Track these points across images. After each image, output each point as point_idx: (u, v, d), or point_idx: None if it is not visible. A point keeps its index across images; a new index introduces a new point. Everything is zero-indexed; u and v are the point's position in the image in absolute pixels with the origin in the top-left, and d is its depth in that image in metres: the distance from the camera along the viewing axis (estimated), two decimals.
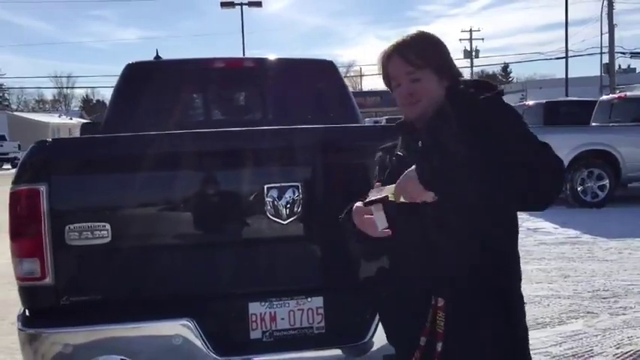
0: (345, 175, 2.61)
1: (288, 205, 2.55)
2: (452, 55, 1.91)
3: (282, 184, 2.55)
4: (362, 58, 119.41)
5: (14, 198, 2.39)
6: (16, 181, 2.40)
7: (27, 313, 2.50)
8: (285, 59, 4.71)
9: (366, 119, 33.07)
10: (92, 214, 2.48)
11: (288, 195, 2.53)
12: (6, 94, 78.93)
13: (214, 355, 2.43)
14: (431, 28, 1.96)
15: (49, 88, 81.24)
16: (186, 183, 2.61)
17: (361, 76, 69.73)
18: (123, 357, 2.40)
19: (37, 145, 2.46)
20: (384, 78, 1.92)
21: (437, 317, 1.72)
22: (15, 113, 60.23)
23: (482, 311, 1.72)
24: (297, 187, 2.55)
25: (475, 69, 55.43)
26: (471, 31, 52.18)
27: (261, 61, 4.63)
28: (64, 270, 2.44)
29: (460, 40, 52.75)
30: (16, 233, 2.41)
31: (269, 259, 2.64)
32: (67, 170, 2.50)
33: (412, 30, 1.88)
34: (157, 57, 4.80)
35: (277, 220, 2.55)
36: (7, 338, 4.56)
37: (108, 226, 2.43)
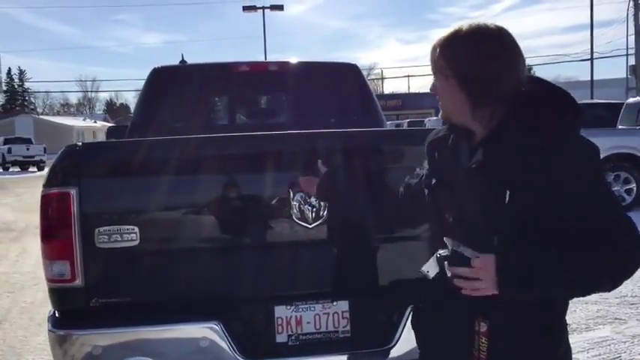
0: (371, 179, 2.61)
1: (314, 209, 2.55)
2: (517, 64, 1.56)
3: None
4: (383, 60, 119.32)
5: (45, 201, 2.43)
6: (47, 184, 2.44)
7: (57, 314, 2.53)
8: (310, 63, 4.73)
9: (388, 122, 33.19)
10: (121, 217, 2.51)
11: (314, 199, 2.53)
12: (32, 98, 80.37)
13: (240, 358, 2.44)
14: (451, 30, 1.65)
15: (74, 92, 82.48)
16: (212, 186, 2.62)
17: (382, 78, 69.72)
18: (150, 359, 2.42)
19: (67, 149, 2.50)
20: None
21: (480, 343, 1.59)
22: (41, 117, 61.26)
23: (524, 332, 1.57)
24: None
25: None
26: None
27: (285, 65, 4.65)
28: (94, 272, 2.46)
29: None
30: (46, 235, 2.45)
31: (295, 262, 2.64)
32: (96, 174, 2.53)
33: (461, 25, 1.59)
34: (183, 61, 4.86)
35: (303, 223, 2.55)
36: (35, 339, 4.64)
37: (136, 229, 2.45)
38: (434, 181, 1.71)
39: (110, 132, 5.22)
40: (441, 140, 1.74)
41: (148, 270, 2.55)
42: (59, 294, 2.46)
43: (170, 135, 4.39)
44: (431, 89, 1.67)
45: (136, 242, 2.45)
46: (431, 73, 1.67)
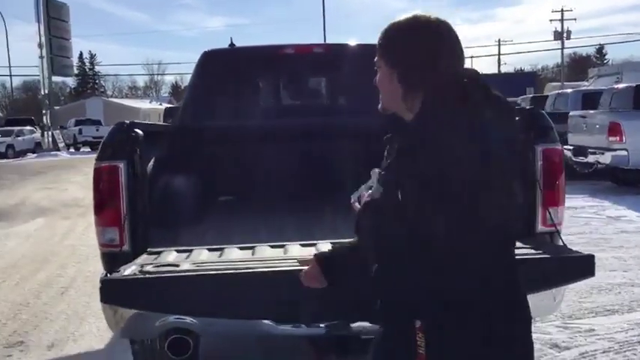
0: None
1: None
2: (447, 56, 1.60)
3: None
4: None
5: (97, 174, 2.69)
6: (99, 158, 2.70)
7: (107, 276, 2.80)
8: (356, 45, 4.84)
9: None
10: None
11: None
12: (102, 81, 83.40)
13: None
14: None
15: (141, 75, 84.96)
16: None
17: None
18: (192, 318, 2.65)
19: (116, 126, 2.75)
20: None
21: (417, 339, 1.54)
22: (110, 99, 63.53)
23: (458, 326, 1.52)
24: None
25: (567, 51, 53.22)
26: (562, 10, 50.03)
27: (331, 47, 4.79)
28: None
29: (550, 20, 50.83)
30: (98, 205, 2.72)
31: None
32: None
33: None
34: (232, 44, 5.06)
35: None
36: (96, 305, 4.99)
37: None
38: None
39: (167, 112, 5.53)
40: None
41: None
42: (109, 258, 2.72)
43: (218, 116, 4.65)
44: (374, 82, 1.71)
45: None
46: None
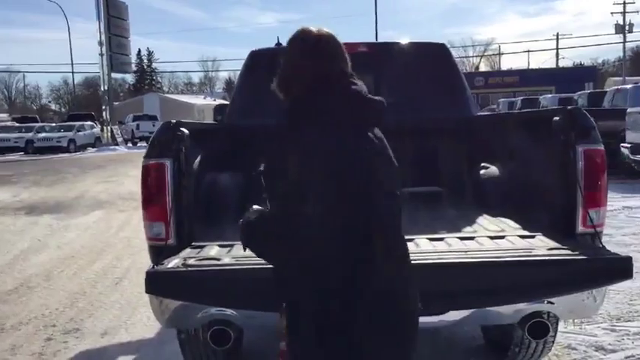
0: None
1: None
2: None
3: None
4: (502, 35, 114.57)
5: (145, 171, 2.83)
6: (147, 156, 2.84)
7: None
8: (397, 43, 4.87)
9: (501, 99, 32.14)
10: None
11: None
12: (159, 78, 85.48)
13: None
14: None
15: (197, 72, 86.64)
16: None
17: (500, 54, 67.19)
18: (233, 310, 2.75)
19: (163, 125, 2.89)
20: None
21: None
22: (166, 95, 65.04)
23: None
24: None
25: (629, 44, 51.32)
26: (624, 3, 48.24)
27: (374, 46, 4.82)
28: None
29: (612, 13, 49.07)
30: (146, 200, 2.86)
31: None
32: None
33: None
34: (278, 43, 5.15)
35: None
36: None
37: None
38: None
39: (216, 109, 5.67)
40: None
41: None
42: (155, 251, 2.86)
43: (264, 115, 4.75)
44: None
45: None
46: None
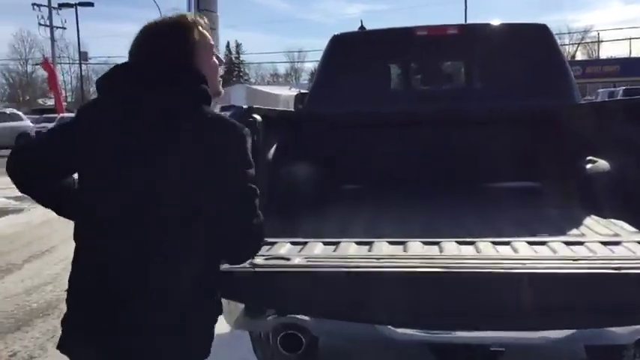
0: None
1: None
2: None
3: None
4: (602, 22, 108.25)
5: None
6: None
7: None
8: (492, 25, 4.46)
9: (600, 90, 30.27)
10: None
11: None
12: (246, 69, 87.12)
13: None
14: None
15: (283, 63, 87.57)
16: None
17: (599, 42, 63.56)
18: (307, 317, 2.52)
19: (234, 111, 2.68)
20: (202, 40, 1.80)
21: None
22: (252, 86, 66.09)
23: None
24: None
25: None
26: None
27: (465, 28, 4.45)
28: None
29: None
30: None
31: None
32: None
33: None
34: (362, 28, 4.88)
35: None
36: None
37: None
38: None
39: (297, 98, 5.47)
40: None
41: None
42: None
43: (346, 102, 4.50)
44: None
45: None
46: None
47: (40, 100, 58.73)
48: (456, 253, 2.26)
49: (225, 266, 2.08)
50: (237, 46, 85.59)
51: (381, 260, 2.14)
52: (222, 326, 4.25)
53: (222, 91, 1.92)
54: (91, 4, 40.17)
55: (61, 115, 33.08)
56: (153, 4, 33.50)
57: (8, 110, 26.32)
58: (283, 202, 3.25)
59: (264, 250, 2.42)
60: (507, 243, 2.39)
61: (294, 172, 3.54)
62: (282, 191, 3.27)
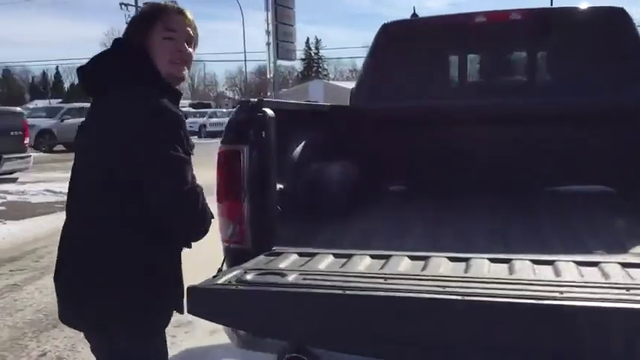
0: None
1: None
2: None
3: None
4: None
5: (218, 159, 2.39)
6: (222, 141, 2.40)
7: None
8: (561, 9, 3.99)
9: None
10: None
11: None
12: (325, 65, 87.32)
13: None
14: None
15: (361, 58, 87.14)
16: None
17: None
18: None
19: (241, 105, 2.42)
20: (151, 19, 1.86)
21: None
22: (331, 82, 66.13)
23: None
24: None
25: None
26: None
27: (530, 13, 3.98)
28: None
29: None
30: (219, 194, 2.40)
31: None
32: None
33: None
34: (414, 15, 4.49)
35: None
36: None
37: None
38: None
39: (352, 93, 5.16)
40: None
41: None
42: (230, 255, 2.39)
43: (394, 94, 4.14)
44: (189, 58, 1.91)
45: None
46: None
47: None
48: (480, 273, 1.88)
49: (204, 282, 1.83)
50: (317, 41, 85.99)
51: (388, 281, 1.81)
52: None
53: (182, 75, 1.90)
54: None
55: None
56: (235, 3, 33.92)
57: (79, 105, 27.35)
58: (310, 203, 2.98)
59: (264, 261, 2.14)
60: (550, 262, 1.99)
61: (328, 171, 3.24)
62: (308, 192, 2.99)
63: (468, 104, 3.92)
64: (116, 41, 1.92)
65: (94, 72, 1.85)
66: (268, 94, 39.25)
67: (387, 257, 2.13)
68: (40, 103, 48.94)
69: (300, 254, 2.21)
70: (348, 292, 1.71)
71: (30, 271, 5.94)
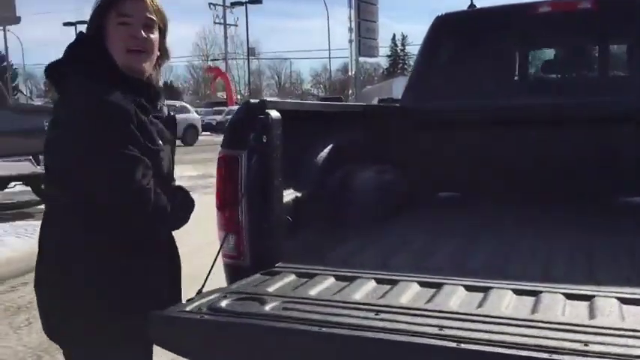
0: None
1: None
2: None
3: None
4: None
5: (218, 164, 2.17)
6: (221, 144, 2.18)
7: None
8: None
9: None
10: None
11: None
12: (411, 62, 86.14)
13: None
14: None
15: None
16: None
17: None
18: None
19: (242, 105, 2.20)
20: (105, 5, 1.71)
21: None
22: None
23: None
24: None
25: None
26: None
27: (600, 1, 3.52)
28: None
29: None
30: (218, 203, 2.18)
31: None
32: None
33: None
34: (472, 5, 4.15)
35: None
36: None
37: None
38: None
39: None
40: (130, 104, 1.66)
41: None
42: (230, 272, 2.18)
43: (447, 91, 3.79)
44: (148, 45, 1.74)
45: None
46: None
47: (219, 94, 62.82)
48: (499, 310, 1.56)
49: (171, 308, 1.62)
50: (403, 38, 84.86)
51: (380, 315, 1.52)
52: None
53: (140, 66, 1.73)
54: (259, 1, 41.95)
55: (230, 107, 35.09)
56: (321, 0, 33.98)
57: (177, 103, 28.15)
58: (335, 213, 2.72)
59: (254, 282, 1.91)
60: (589, 297, 1.64)
61: (360, 177, 2.97)
62: (334, 200, 2.73)
63: (531, 103, 3.51)
64: (80, 32, 1.82)
65: (57, 64, 1.75)
66: (349, 91, 39.26)
67: (394, 282, 1.84)
68: None
69: (300, 274, 1.96)
70: (324, 329, 1.44)
71: None
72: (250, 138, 2.07)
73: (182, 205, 1.80)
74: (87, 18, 1.81)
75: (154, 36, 1.75)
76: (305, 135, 2.54)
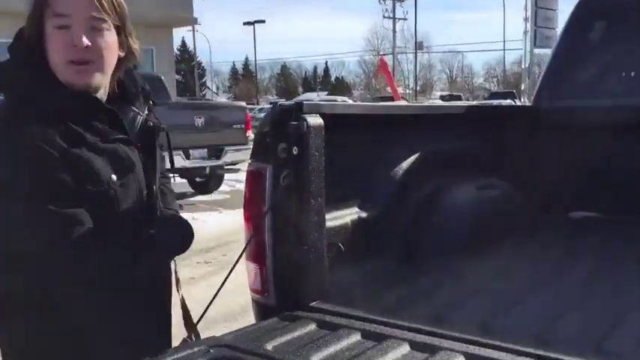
0: None
1: None
2: None
3: None
4: None
5: (246, 179, 1.82)
6: (251, 155, 1.83)
7: None
8: None
9: None
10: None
11: None
12: None
13: None
14: None
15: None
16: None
17: None
18: None
19: (272, 108, 1.81)
20: (40, 3, 1.34)
21: None
22: None
23: None
24: None
25: None
26: None
27: None
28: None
29: None
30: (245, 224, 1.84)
31: None
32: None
33: None
34: None
35: None
36: None
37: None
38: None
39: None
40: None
41: None
42: (257, 309, 1.83)
43: (586, 87, 3.12)
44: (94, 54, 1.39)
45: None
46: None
47: (388, 89, 62.98)
48: None
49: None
50: None
51: None
52: None
53: (85, 81, 1.40)
54: None
55: (397, 102, 34.84)
56: None
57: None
58: (416, 239, 2.26)
59: (263, 329, 1.55)
60: None
61: (454, 194, 2.46)
62: (415, 222, 2.28)
63: None
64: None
65: None
66: (522, 86, 36.82)
67: (435, 350, 1.37)
68: (310, 96, 52.64)
69: (322, 324, 1.56)
70: None
71: (214, 264, 6.05)
72: (278, 149, 1.69)
73: (161, 243, 1.50)
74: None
75: (105, 39, 1.40)
76: (373, 143, 2.12)
